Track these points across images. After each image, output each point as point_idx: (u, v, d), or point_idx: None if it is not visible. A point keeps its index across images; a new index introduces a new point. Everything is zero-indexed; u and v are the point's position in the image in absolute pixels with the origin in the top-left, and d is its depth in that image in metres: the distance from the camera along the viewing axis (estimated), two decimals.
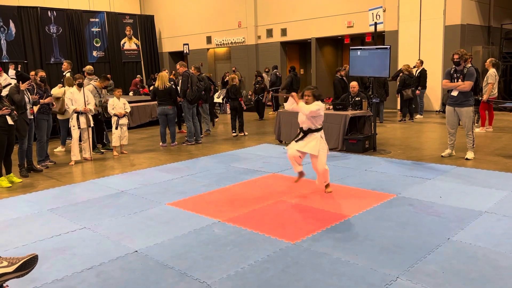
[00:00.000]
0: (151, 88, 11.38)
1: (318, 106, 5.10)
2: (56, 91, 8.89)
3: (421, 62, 12.27)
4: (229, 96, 10.65)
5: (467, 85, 6.71)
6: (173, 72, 16.28)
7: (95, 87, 8.76)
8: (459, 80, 6.80)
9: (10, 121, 6.24)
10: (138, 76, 19.02)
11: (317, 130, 5.21)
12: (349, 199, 5.21)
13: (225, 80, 17.19)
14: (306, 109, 5.09)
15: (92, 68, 10.06)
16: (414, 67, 12.32)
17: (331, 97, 14.19)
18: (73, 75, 8.82)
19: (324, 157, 5.22)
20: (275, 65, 15.49)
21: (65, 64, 9.83)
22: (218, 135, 10.77)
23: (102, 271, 3.54)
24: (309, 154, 5.24)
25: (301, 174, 5.47)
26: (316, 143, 5.17)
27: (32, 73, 8.24)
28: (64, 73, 9.62)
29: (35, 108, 7.20)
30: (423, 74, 12.10)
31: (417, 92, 11.99)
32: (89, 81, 9.01)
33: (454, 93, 6.88)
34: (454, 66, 6.92)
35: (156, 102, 10.62)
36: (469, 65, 6.83)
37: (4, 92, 6.47)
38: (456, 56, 6.80)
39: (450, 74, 6.98)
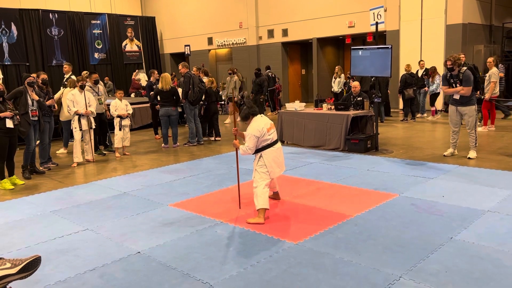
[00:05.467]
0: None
1: (249, 134, 4.56)
2: (57, 95, 8.91)
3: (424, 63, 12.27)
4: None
5: (466, 90, 6.78)
6: (173, 73, 16.29)
7: (90, 86, 8.67)
8: (457, 84, 6.85)
9: (9, 124, 6.23)
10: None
11: (258, 151, 4.65)
12: (351, 199, 5.20)
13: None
14: (246, 147, 4.61)
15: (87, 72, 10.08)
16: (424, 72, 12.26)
17: (332, 98, 14.19)
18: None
19: (256, 177, 4.65)
20: (267, 65, 15.45)
21: (67, 67, 9.87)
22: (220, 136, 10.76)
23: (105, 273, 3.54)
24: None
25: (274, 195, 5.30)
26: (254, 164, 4.75)
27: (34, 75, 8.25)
28: (68, 76, 9.64)
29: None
30: (427, 73, 12.08)
31: (426, 88, 12.02)
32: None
33: (456, 97, 6.94)
34: (448, 71, 6.96)
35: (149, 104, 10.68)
36: (464, 67, 6.84)
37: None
38: (449, 63, 6.86)
39: (446, 79, 7.03)
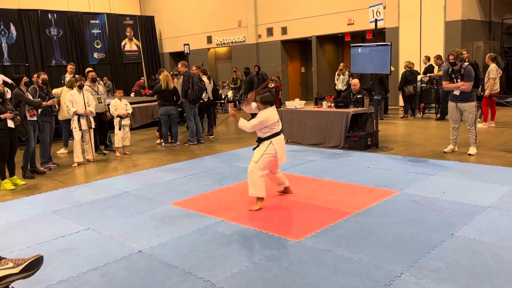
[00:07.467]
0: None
1: (260, 118, 4.83)
2: (55, 90, 8.90)
3: (428, 58, 12.21)
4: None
5: (467, 86, 6.77)
6: (171, 72, 16.28)
7: (89, 86, 8.64)
8: (458, 80, 6.84)
9: (10, 124, 6.24)
10: (142, 78, 19.11)
11: (267, 138, 4.90)
12: (352, 196, 5.21)
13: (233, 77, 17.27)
14: (249, 124, 4.89)
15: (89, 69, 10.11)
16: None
17: (333, 95, 14.18)
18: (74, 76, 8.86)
19: (260, 163, 4.86)
20: (257, 65, 15.27)
21: (73, 67, 9.89)
22: (220, 134, 10.77)
23: (107, 272, 3.55)
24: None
25: (285, 190, 5.44)
26: (259, 150, 4.93)
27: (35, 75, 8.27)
28: (72, 76, 9.63)
29: (39, 111, 7.22)
30: (429, 70, 12.05)
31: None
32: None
33: (456, 92, 6.93)
34: (450, 66, 6.94)
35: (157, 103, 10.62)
36: (466, 63, 6.84)
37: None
38: (451, 57, 6.84)
39: (448, 74, 7.01)
